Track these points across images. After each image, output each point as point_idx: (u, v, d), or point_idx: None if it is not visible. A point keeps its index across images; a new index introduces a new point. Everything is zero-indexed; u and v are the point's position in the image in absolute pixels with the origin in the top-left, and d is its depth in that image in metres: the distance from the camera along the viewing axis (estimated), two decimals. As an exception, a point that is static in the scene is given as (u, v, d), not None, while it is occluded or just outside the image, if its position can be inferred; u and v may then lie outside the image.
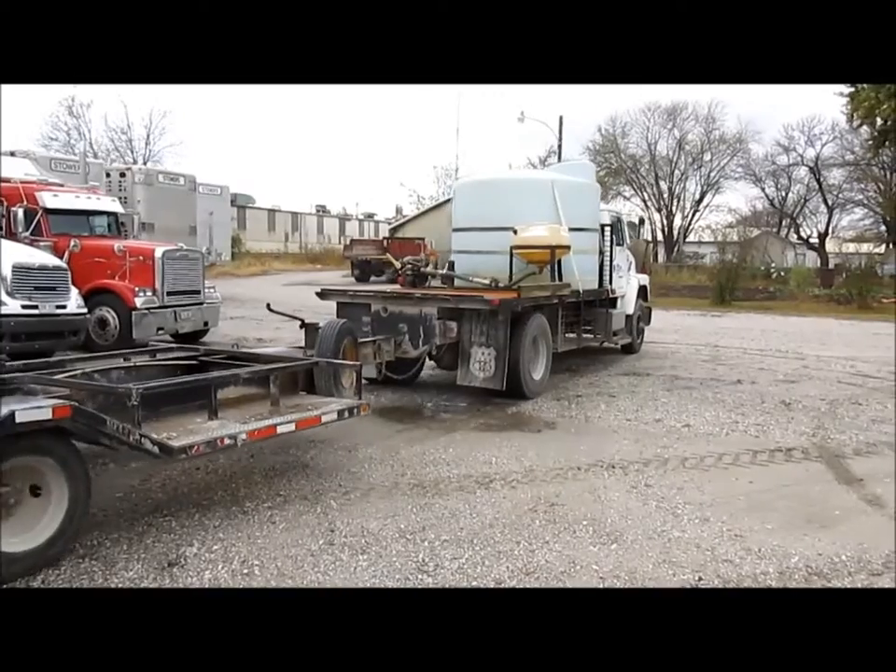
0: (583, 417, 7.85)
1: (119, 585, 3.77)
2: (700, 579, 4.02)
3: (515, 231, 9.12)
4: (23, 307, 8.89)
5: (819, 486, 5.73)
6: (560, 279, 9.63)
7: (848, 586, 3.99)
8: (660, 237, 47.11)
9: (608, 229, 11.10)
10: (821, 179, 42.44)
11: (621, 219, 12.31)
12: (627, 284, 12.15)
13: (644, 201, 47.56)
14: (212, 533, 4.47)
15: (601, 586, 3.93)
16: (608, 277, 11.10)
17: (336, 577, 3.94)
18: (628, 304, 12.08)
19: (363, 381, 8.21)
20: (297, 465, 5.86)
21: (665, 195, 47.53)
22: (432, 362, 9.60)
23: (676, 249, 47.14)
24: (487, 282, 9.19)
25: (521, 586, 3.90)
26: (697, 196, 47.62)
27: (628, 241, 12.50)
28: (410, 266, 10.10)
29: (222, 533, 4.47)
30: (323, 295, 9.19)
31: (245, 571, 3.98)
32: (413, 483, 5.51)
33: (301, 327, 7.86)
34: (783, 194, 46.48)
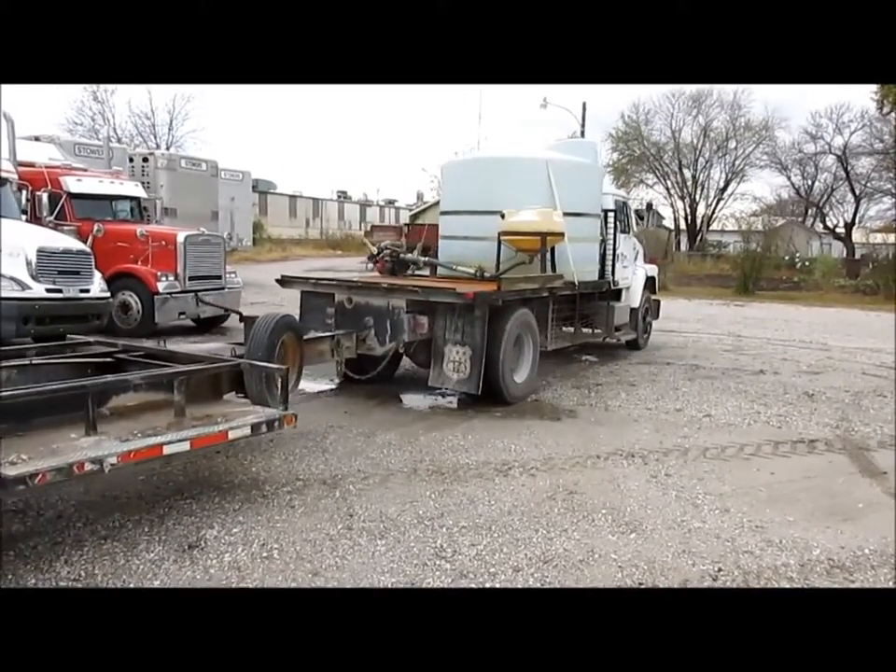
0: (603, 406, 7.81)
1: (141, 566, 3.81)
2: (720, 570, 3.99)
3: (503, 216, 8.36)
4: (48, 291, 8.98)
5: (843, 479, 5.66)
6: (553, 269, 8.76)
7: (871, 580, 3.94)
8: (683, 225, 46.63)
9: (611, 214, 10.22)
10: (849, 168, 41.69)
11: (627, 204, 11.36)
12: (633, 275, 11.28)
13: (667, 189, 47.06)
14: (232, 516, 4.50)
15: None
16: (610, 268, 10.24)
17: (354, 561, 3.96)
18: (633, 297, 11.21)
19: (342, 377, 7.59)
20: (316, 450, 5.89)
21: (689, 183, 46.97)
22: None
23: (699, 238, 46.64)
24: (472, 271, 8.45)
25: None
26: (721, 184, 47.02)
27: (635, 228, 11.67)
28: (389, 252, 9.14)
29: (242, 516, 4.51)
30: (284, 283, 8.33)
31: (265, 555, 4.01)
32: (431, 469, 5.52)
33: (240, 320, 7.19)
34: (809, 183, 45.77)
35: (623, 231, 10.68)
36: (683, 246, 44.22)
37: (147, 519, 4.41)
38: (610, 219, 10.23)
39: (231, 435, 4.57)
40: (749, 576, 3.94)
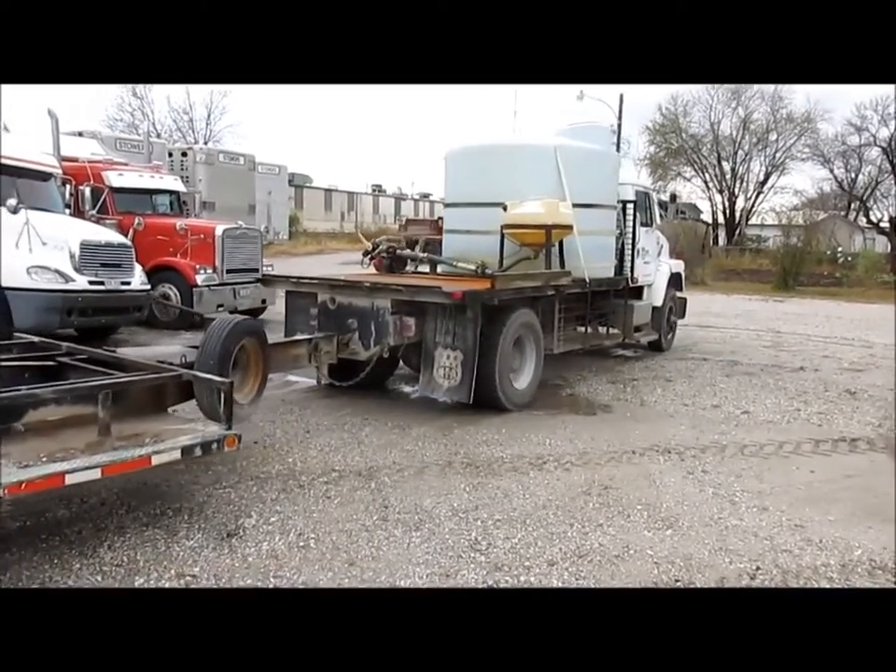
0: (639, 401, 7.74)
1: (181, 553, 3.89)
2: (758, 568, 3.94)
3: (505, 208, 7.77)
4: (90, 283, 9.17)
5: (885, 478, 5.54)
6: (562, 265, 8.10)
7: (915, 581, 3.87)
8: (721, 220, 45.94)
9: (630, 205, 9.56)
10: (894, 160, 40.70)
11: (649, 195, 10.60)
12: (656, 271, 10.50)
13: (705, 182, 46.36)
14: (269, 505, 4.57)
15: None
16: (628, 263, 9.55)
17: (390, 552, 3.99)
18: (656, 295, 10.43)
19: (325, 383, 7.18)
20: (351, 441, 5.93)
21: (728, 176, 46.20)
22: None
23: (738, 232, 45.92)
24: (474, 267, 7.87)
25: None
26: (761, 177, 46.13)
27: (658, 220, 10.92)
28: (385, 247, 8.62)
29: (279, 506, 4.57)
30: (265, 282, 8.10)
31: (301, 544, 4.06)
32: (466, 462, 5.53)
33: (200, 322, 6.95)
34: (853, 176, 44.69)
35: (644, 224, 10.01)
36: (721, 241, 43.55)
37: (187, 507, 4.49)
38: (630, 211, 9.59)
39: (156, 460, 4.01)
40: (788, 575, 3.89)
